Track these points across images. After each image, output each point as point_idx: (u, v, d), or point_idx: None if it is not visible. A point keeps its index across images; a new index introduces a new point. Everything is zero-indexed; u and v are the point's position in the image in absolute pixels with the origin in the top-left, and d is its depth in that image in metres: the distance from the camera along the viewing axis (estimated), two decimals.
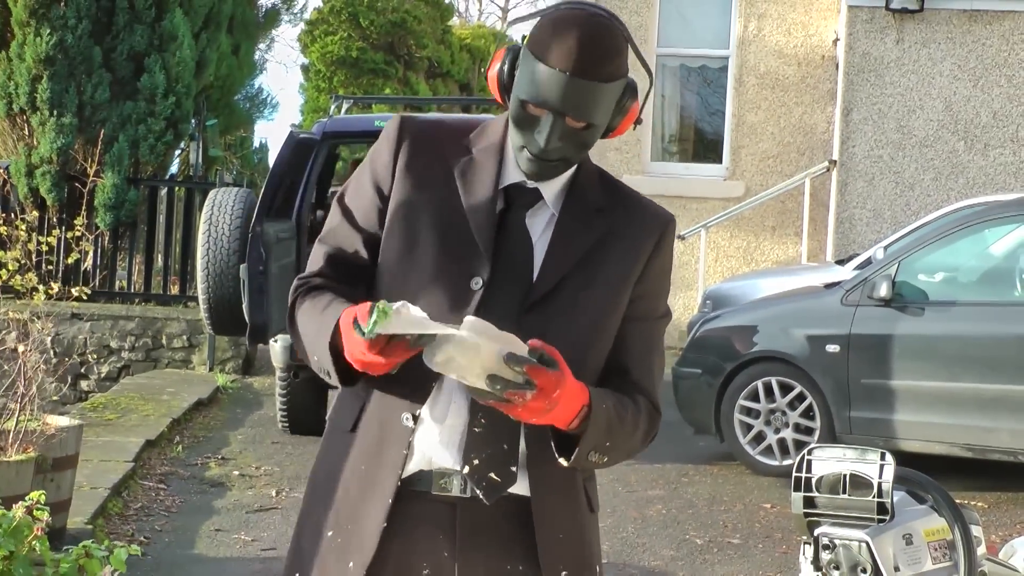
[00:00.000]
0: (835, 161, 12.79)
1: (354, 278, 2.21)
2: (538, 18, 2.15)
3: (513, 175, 2.20)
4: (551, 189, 2.20)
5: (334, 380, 2.11)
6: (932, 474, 2.10)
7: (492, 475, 2.09)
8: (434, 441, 2.12)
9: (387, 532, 2.11)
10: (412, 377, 2.09)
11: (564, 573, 2.14)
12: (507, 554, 2.14)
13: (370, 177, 2.22)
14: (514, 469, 2.10)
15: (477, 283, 2.13)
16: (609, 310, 2.17)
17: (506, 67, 2.18)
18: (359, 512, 2.14)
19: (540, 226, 2.18)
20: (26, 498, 4.53)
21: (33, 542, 4.45)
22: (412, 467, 2.13)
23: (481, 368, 1.93)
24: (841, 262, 10.55)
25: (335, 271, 2.21)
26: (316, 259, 2.23)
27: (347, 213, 2.23)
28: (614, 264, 2.18)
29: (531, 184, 2.19)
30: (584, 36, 2.08)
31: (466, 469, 2.10)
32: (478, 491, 2.10)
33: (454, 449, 2.11)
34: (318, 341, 2.10)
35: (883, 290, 7.69)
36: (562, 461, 2.08)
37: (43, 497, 4.57)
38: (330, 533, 2.17)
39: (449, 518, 2.13)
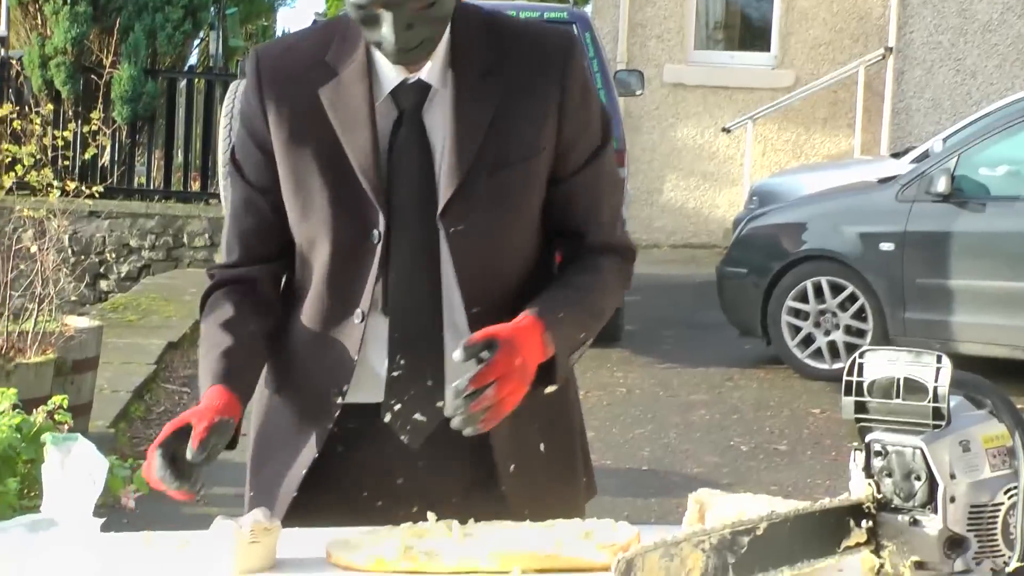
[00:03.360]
0: (891, 48, 12.69)
1: (274, 249, 2.16)
2: None
3: (391, 76, 2.08)
4: (435, 72, 2.08)
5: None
6: (991, 378, 2.00)
7: (417, 416, 2.09)
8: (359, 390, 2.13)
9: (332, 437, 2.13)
10: (332, 357, 2.12)
11: (512, 466, 2.13)
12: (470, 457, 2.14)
13: (247, 132, 2.14)
14: (440, 404, 2.03)
15: (375, 236, 2.08)
16: (532, 180, 2.10)
17: None
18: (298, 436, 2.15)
19: (440, 117, 2.08)
20: (48, 402, 4.51)
21: None
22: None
23: None
24: (897, 155, 10.49)
25: (249, 255, 2.16)
26: (231, 244, 2.18)
27: (244, 179, 2.16)
28: (522, 130, 2.08)
29: (413, 78, 2.08)
30: None
31: (387, 417, 2.10)
32: (403, 437, 2.11)
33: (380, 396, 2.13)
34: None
35: (941, 185, 7.63)
36: (549, 390, 2.04)
37: (65, 401, 4.52)
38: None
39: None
